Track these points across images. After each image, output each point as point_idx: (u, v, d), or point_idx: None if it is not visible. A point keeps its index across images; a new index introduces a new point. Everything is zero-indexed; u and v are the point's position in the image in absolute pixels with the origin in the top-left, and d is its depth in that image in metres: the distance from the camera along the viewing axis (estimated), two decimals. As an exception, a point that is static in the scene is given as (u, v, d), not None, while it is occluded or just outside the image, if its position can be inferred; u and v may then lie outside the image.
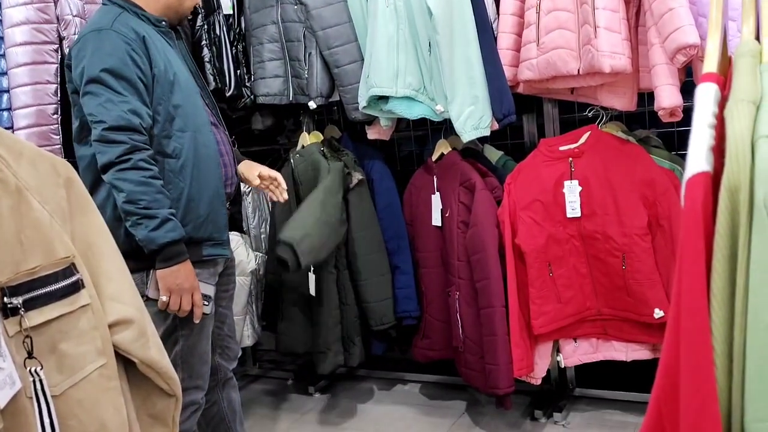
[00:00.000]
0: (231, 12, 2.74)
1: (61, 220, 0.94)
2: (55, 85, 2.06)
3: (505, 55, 2.34)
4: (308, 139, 2.78)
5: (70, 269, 0.93)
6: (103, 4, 1.84)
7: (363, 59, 2.50)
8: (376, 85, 2.39)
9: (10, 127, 2.04)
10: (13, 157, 0.89)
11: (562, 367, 2.44)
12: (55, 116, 2.05)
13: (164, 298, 1.71)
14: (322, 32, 2.51)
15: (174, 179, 1.75)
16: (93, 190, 1.72)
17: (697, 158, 0.78)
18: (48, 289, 0.90)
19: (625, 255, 2.19)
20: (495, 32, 2.37)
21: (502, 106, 2.28)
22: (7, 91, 2.05)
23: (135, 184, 1.65)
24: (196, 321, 1.78)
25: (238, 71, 2.77)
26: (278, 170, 2.17)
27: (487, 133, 2.33)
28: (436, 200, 2.57)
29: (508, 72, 2.32)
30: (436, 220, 2.58)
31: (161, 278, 1.70)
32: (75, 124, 1.79)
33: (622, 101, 2.21)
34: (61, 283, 0.91)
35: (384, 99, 2.44)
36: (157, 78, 1.74)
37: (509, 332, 2.26)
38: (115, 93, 1.66)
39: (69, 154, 2.00)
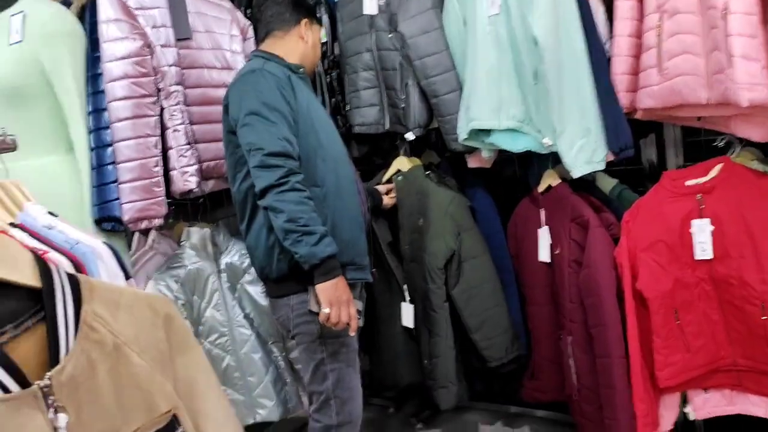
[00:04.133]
0: (325, 39, 2.66)
1: (161, 366, 0.88)
2: (155, 138, 2.06)
3: (620, 80, 2.13)
4: (406, 163, 2.66)
5: (173, 423, 0.87)
6: (249, 59, 2.07)
7: (462, 88, 2.36)
8: (477, 118, 2.25)
9: (115, 181, 2.05)
10: (110, 312, 0.84)
11: (691, 419, 2.23)
12: (156, 169, 2.04)
13: (327, 310, 1.81)
14: (419, 61, 2.38)
15: (319, 206, 1.86)
16: (250, 220, 1.93)
17: None
18: (150, 449, 0.84)
19: (765, 304, 1.95)
20: (607, 54, 2.17)
21: (618, 139, 2.08)
22: (111, 145, 2.06)
23: (294, 203, 1.77)
24: (352, 333, 1.89)
25: (333, 99, 2.70)
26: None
27: (602, 167, 2.14)
28: (543, 235, 2.41)
29: (624, 99, 2.12)
30: (544, 256, 2.41)
31: (322, 291, 1.80)
32: (230, 162, 1.95)
33: (760, 132, 1.96)
34: (162, 440, 0.86)
35: (486, 130, 2.29)
36: (300, 113, 1.90)
37: (630, 384, 2.08)
38: (271, 123, 1.82)
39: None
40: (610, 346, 2.11)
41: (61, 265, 1.37)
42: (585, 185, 2.42)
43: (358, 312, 1.90)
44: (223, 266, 2.35)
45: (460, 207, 2.42)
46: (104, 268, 1.44)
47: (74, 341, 0.79)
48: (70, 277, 0.83)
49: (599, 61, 2.10)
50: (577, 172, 2.12)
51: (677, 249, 2.07)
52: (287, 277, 1.90)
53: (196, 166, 2.11)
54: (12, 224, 1.47)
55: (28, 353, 0.77)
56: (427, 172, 2.51)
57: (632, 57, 2.14)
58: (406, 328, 2.57)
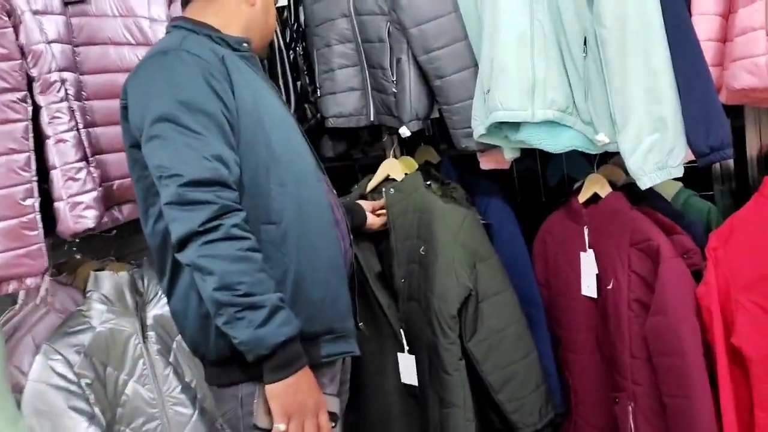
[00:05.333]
0: (285, 3, 1.99)
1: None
2: (25, 154, 1.37)
3: (704, 48, 1.50)
4: (399, 168, 2.00)
5: None
6: (167, 32, 1.46)
7: (477, 65, 1.71)
8: (501, 107, 1.60)
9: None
10: None
11: None
12: (28, 202, 1.36)
13: (282, 427, 1.25)
14: (417, 29, 1.72)
15: (275, 254, 1.30)
16: (173, 277, 1.33)
17: None
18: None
19: None
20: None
21: (708, 135, 1.46)
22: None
23: (230, 261, 1.19)
24: None
25: (299, 83, 2.03)
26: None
27: (679, 173, 1.53)
28: (588, 261, 1.79)
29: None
30: (590, 290, 1.79)
31: (275, 397, 1.24)
32: (138, 190, 1.36)
33: None
34: None
35: (512, 123, 1.65)
36: (242, 113, 1.31)
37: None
38: (194, 134, 1.22)
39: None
40: (698, 425, 1.51)
41: None
42: (638, 194, 1.79)
43: (333, 416, 1.35)
44: (150, 321, 1.69)
45: (474, 229, 1.78)
46: None
47: None
48: None
49: (681, 23, 1.46)
50: (645, 181, 1.51)
51: (793, 290, 1.47)
52: (231, 359, 1.26)
53: (94, 193, 1.43)
54: None
55: None
56: (428, 182, 1.86)
57: (720, 17, 1.53)
58: (403, 384, 1.95)
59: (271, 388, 1.23)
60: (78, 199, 1.40)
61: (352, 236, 1.58)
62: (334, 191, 1.57)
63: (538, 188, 2.30)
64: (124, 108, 1.31)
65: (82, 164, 1.41)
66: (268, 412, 1.25)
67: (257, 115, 1.33)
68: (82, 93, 1.49)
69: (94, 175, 1.44)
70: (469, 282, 1.72)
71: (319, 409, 1.28)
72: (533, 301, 1.93)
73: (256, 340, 1.19)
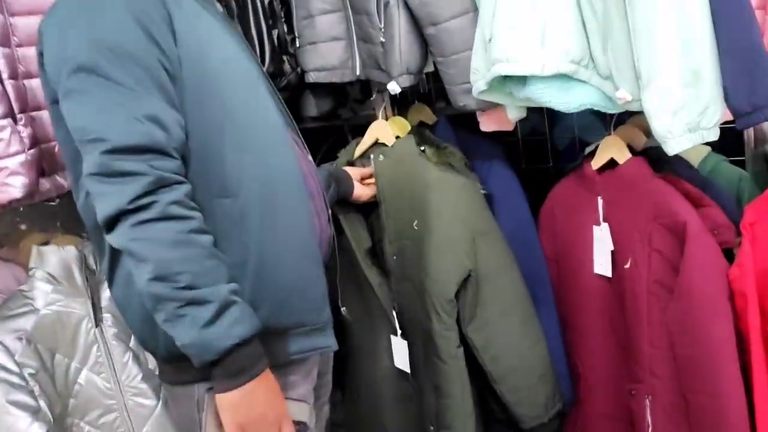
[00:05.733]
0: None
1: None
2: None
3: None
4: (389, 131, 1.77)
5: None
6: None
7: (476, 10, 1.48)
8: (505, 58, 1.37)
9: None
10: None
11: None
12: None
13: None
14: (408, -33, 1.49)
15: (233, 232, 1.09)
16: (113, 260, 1.12)
17: None
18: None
19: None
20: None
21: (752, 90, 1.23)
22: None
23: (167, 245, 0.98)
24: None
25: (275, 32, 1.79)
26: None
27: (714, 136, 1.30)
28: (602, 236, 1.58)
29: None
30: (603, 268, 1.59)
31: (227, 409, 1.04)
32: (65, 156, 1.13)
33: None
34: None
35: (518, 77, 1.42)
36: (187, 63, 1.07)
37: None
38: (121, 87, 1.00)
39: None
40: (727, 426, 1.32)
41: None
42: (661, 158, 1.57)
43: (301, 426, 1.14)
44: (104, 303, 1.49)
45: (474, 200, 1.57)
46: None
47: None
48: None
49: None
50: (673, 145, 1.28)
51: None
52: (184, 356, 1.06)
53: (22, 157, 1.21)
54: None
55: None
56: (422, 148, 1.64)
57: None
58: (398, 368, 1.76)
59: (222, 399, 1.04)
60: (1, 164, 1.19)
61: (330, 211, 1.37)
62: (310, 158, 1.36)
63: (546, 152, 2.08)
64: (41, 54, 1.08)
65: (5, 122, 1.19)
66: (220, 425, 1.06)
67: (209, 65, 1.10)
68: (12, 38, 1.26)
69: (23, 135, 1.22)
70: (468, 260, 1.52)
71: (282, 422, 1.08)
72: (540, 278, 1.73)
73: (202, 342, 0.99)
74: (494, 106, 1.59)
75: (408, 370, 1.73)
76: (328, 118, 2.30)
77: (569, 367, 1.73)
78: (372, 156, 1.67)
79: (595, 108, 1.40)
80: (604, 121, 1.90)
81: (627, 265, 1.50)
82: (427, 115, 1.92)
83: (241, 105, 1.13)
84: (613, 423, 1.64)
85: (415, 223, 1.56)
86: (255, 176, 1.12)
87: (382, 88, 1.71)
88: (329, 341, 1.23)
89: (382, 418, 1.82)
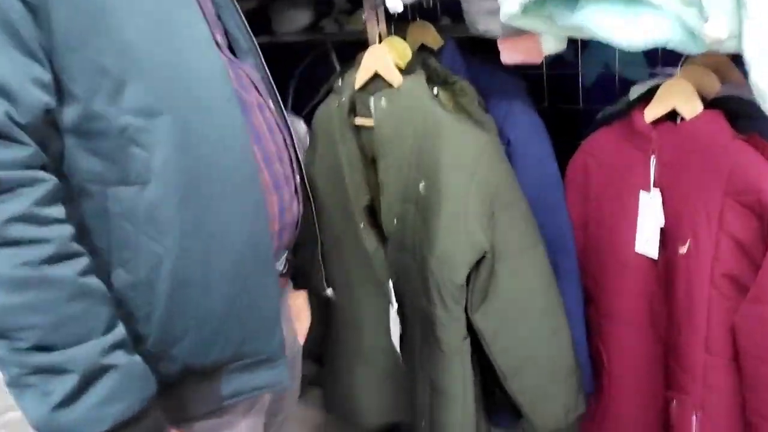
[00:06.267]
0: None
1: None
2: None
3: None
4: (390, 62, 1.37)
5: None
6: None
7: None
8: (552, -32, 0.99)
9: None
10: None
11: None
12: None
13: None
14: None
15: (136, 237, 0.78)
16: None
17: None
18: None
19: None
20: None
21: None
22: None
23: (6, 287, 0.67)
24: None
25: None
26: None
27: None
28: (651, 206, 1.25)
29: None
30: (648, 246, 1.27)
31: None
32: None
33: None
34: None
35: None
36: None
37: None
38: None
39: None
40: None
41: None
42: (728, 104, 1.21)
43: None
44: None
45: (496, 162, 1.21)
46: None
47: None
48: None
49: None
50: (776, 104, 0.93)
51: None
52: None
53: None
54: None
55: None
56: (435, 91, 1.26)
57: None
58: (390, 345, 1.47)
59: None
60: None
61: (305, 172, 1.02)
62: (280, 105, 0.99)
63: (575, 90, 1.70)
64: None
65: None
66: None
67: None
68: None
69: None
70: (485, 239, 1.18)
71: None
72: (563, 247, 1.40)
73: (58, 427, 0.68)
74: (522, 32, 1.21)
75: (398, 348, 1.44)
76: (309, 32, 1.94)
77: (591, 354, 1.44)
78: (372, 100, 1.29)
79: (669, 46, 1.03)
80: (647, 54, 1.53)
81: (684, 249, 1.18)
82: (431, 37, 1.53)
83: (151, 44, 0.77)
84: (636, 429, 1.37)
85: (421, 186, 1.21)
86: (173, 151, 0.77)
87: (378, 2, 1.32)
88: (279, 376, 0.91)
89: (383, 388, 1.54)
